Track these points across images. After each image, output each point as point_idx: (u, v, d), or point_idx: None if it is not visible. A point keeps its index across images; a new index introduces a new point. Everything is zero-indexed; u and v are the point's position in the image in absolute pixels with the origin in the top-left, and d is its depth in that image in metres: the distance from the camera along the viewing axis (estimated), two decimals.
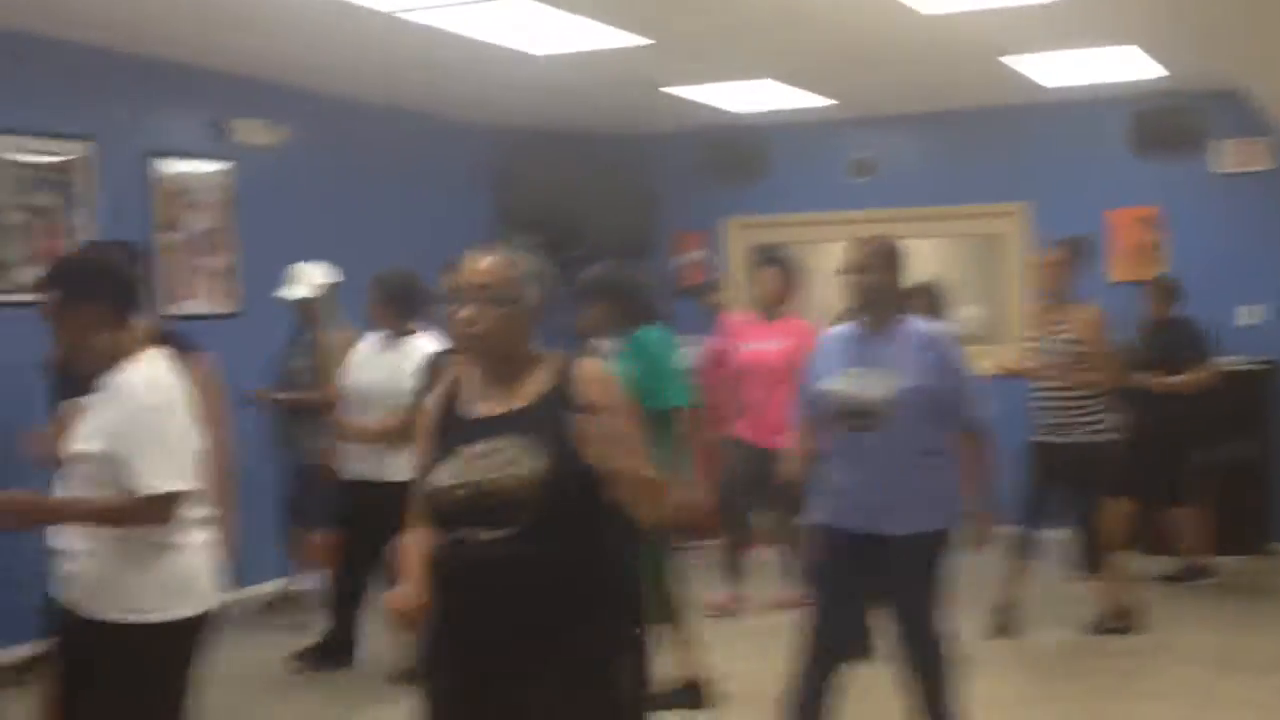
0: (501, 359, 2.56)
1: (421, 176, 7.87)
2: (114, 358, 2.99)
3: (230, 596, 6.22)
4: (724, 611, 5.99)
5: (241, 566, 6.32)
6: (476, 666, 2.51)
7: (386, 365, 5.02)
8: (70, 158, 5.81)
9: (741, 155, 8.69)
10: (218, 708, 4.82)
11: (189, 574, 3.03)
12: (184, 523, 3.01)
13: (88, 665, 2.93)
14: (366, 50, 6.11)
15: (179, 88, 6.40)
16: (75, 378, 3.22)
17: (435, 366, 4.24)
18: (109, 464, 2.89)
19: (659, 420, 4.71)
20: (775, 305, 5.92)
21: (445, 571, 2.52)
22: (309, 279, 5.96)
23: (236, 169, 6.69)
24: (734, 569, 6.16)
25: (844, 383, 3.73)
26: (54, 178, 5.74)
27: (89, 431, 2.94)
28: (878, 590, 3.81)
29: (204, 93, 6.53)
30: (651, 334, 4.79)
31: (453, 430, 2.56)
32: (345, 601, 5.24)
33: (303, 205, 6.97)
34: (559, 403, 2.51)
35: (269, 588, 6.51)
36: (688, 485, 4.97)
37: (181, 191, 6.42)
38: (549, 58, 6.27)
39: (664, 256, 8.96)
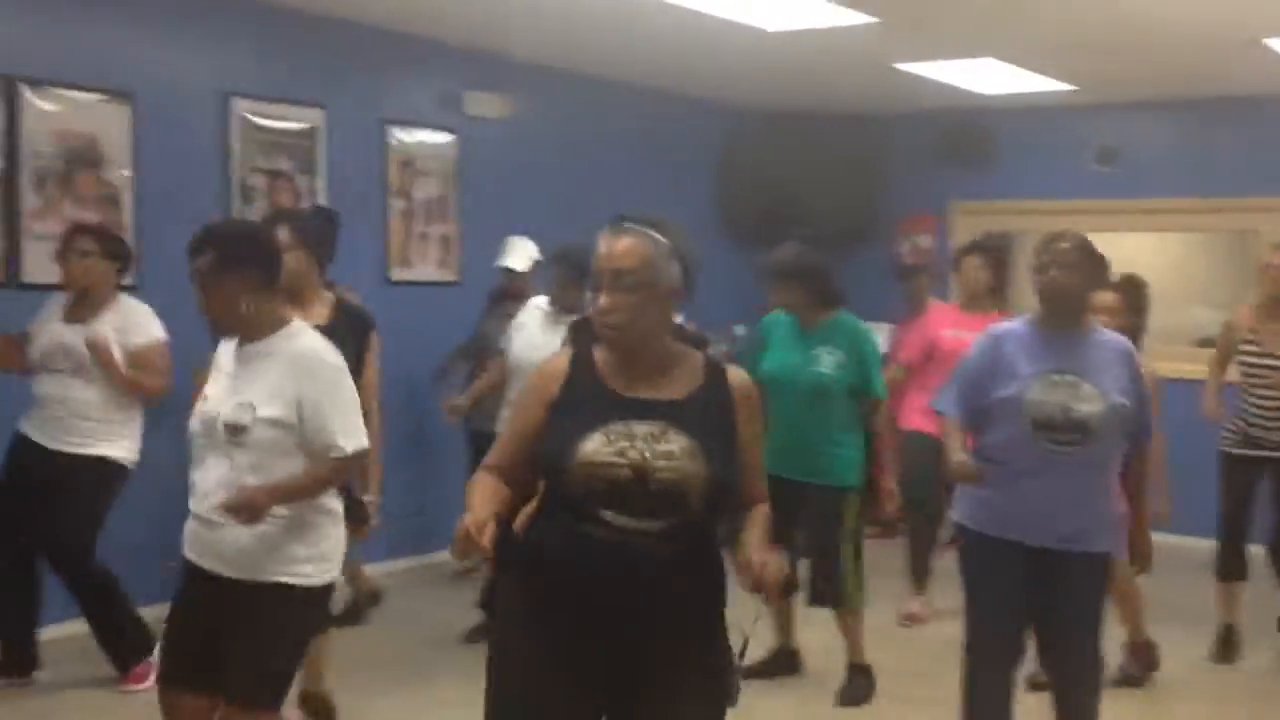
0: (641, 345, 2.45)
1: (645, 152, 7.90)
2: (261, 325, 3.03)
3: (419, 561, 6.55)
4: (917, 620, 5.81)
5: (432, 532, 6.61)
6: (591, 649, 2.40)
7: (552, 340, 4.86)
8: (307, 125, 6.11)
9: (973, 138, 8.39)
10: (399, 668, 5.06)
11: (337, 540, 3.14)
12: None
13: (233, 625, 2.98)
14: (594, 24, 6.15)
15: (414, 58, 6.62)
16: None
17: (577, 334, 4.07)
18: (294, 428, 2.97)
19: (852, 409, 4.64)
20: (980, 295, 5.65)
21: (575, 550, 2.38)
22: (524, 252, 6.07)
23: (463, 140, 6.89)
24: (922, 571, 5.97)
25: (1046, 391, 3.42)
26: (291, 142, 6.05)
27: (263, 397, 2.96)
28: (1041, 606, 3.60)
29: (438, 64, 6.75)
30: (852, 320, 4.71)
31: (595, 402, 2.42)
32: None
33: (524, 178, 7.12)
34: (716, 405, 2.45)
35: None
36: (881, 477, 4.88)
37: (411, 160, 6.67)
38: (781, 34, 6.18)
39: (887, 240, 8.76)
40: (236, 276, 2.97)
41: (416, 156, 6.69)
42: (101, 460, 4.57)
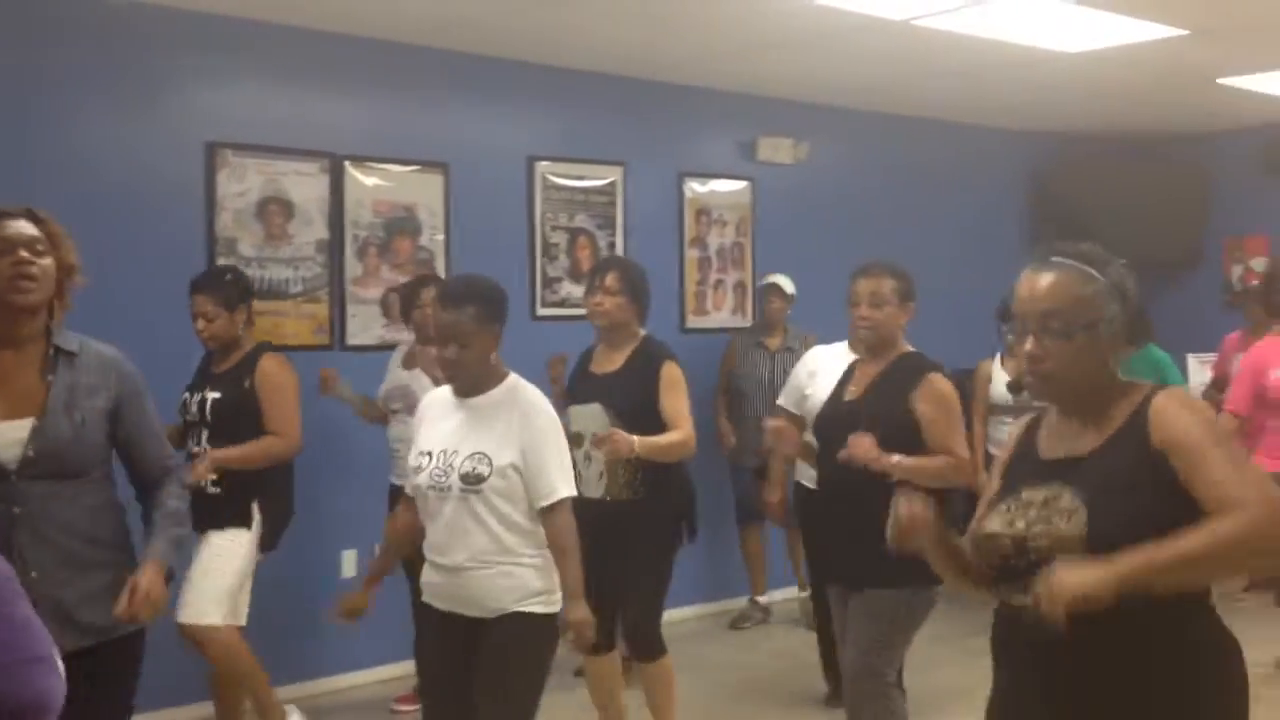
0: (1075, 398, 2.18)
1: (944, 187, 7.70)
2: (491, 377, 3.12)
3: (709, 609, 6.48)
4: None
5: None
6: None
7: None
8: (607, 182, 6.30)
9: None
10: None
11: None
12: None
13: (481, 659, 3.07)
14: (885, 61, 6.07)
15: (708, 110, 6.72)
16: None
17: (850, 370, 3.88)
18: (518, 475, 3.04)
19: None
20: None
21: (999, 638, 2.21)
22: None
23: (757, 186, 6.92)
24: None
25: None
26: (591, 200, 6.25)
27: (495, 444, 3.03)
28: None
29: (731, 114, 6.81)
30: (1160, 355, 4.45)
31: (1020, 468, 2.23)
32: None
33: (818, 220, 7.06)
34: (1132, 446, 2.09)
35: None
36: None
37: (706, 209, 6.75)
38: (1085, 54, 5.90)
39: (1217, 264, 8.17)
40: (492, 331, 3.08)
41: (711, 205, 6.77)
42: None
